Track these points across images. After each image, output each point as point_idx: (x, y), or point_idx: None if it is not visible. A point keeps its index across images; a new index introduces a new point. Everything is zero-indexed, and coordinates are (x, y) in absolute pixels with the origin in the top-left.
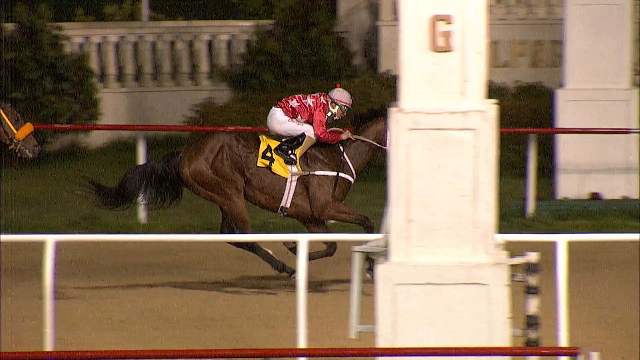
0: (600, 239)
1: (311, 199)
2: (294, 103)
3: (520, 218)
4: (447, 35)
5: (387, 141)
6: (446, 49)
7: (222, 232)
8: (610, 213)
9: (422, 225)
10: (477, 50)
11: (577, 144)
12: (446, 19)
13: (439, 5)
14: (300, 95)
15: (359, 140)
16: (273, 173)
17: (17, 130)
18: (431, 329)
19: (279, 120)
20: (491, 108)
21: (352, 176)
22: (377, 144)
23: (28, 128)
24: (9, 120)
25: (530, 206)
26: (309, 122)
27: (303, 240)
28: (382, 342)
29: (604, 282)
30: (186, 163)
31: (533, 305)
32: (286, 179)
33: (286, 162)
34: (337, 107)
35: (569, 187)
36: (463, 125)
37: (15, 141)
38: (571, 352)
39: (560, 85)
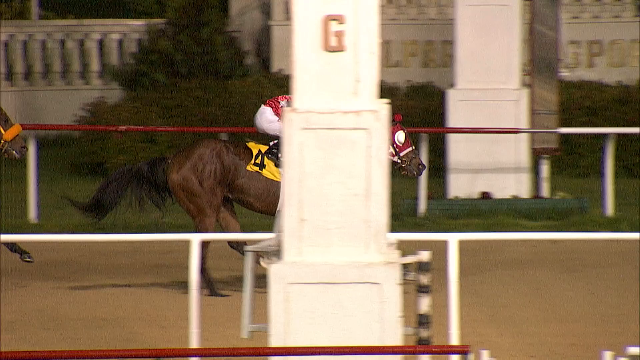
0: (490, 237)
1: None
2: (284, 103)
3: (412, 217)
4: (339, 35)
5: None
6: (339, 49)
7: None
8: (500, 212)
9: (315, 225)
10: (370, 50)
11: (468, 144)
12: (339, 19)
13: (331, 5)
14: (290, 96)
15: None
16: (265, 178)
17: (5, 130)
18: (324, 328)
19: (268, 119)
20: (383, 108)
21: None
22: None
23: (17, 129)
24: None
25: (422, 205)
26: None
27: (196, 239)
28: (274, 342)
29: (495, 281)
30: (175, 169)
31: (424, 304)
32: (279, 182)
33: (276, 166)
34: None
35: (459, 186)
36: (356, 124)
37: (2, 141)
38: (462, 350)
39: (451, 85)
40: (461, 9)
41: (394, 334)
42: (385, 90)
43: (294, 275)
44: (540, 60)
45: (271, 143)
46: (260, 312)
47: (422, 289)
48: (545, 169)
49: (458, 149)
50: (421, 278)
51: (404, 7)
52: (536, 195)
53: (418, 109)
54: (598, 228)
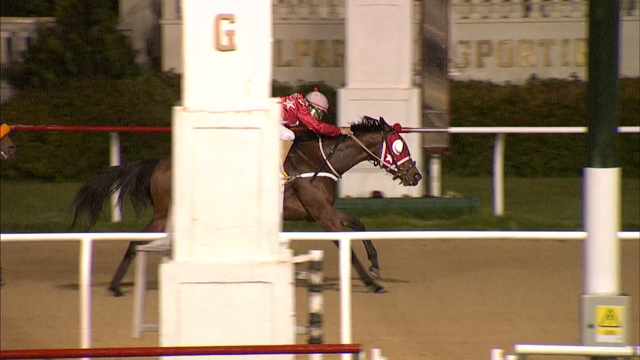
0: (381, 237)
1: (304, 203)
2: (291, 104)
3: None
4: (231, 34)
5: (382, 153)
6: (230, 48)
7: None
8: (391, 211)
9: (207, 224)
10: (261, 49)
11: None
12: (230, 18)
13: (222, 5)
14: (279, 98)
15: (354, 140)
16: None
17: None
18: (215, 327)
19: None
20: (275, 107)
21: (335, 175)
22: (369, 151)
23: (4, 129)
24: None
25: None
26: (290, 124)
27: (87, 239)
28: (166, 342)
29: (386, 280)
30: (163, 168)
31: (316, 303)
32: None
33: None
34: (313, 110)
35: (351, 185)
36: (248, 124)
37: None
38: (353, 349)
39: (343, 84)
40: (352, 9)
41: (285, 333)
42: (277, 90)
43: (185, 274)
44: (430, 60)
45: None
46: (153, 312)
47: (314, 288)
48: (435, 168)
49: None
50: (313, 277)
51: (296, 7)
52: (427, 195)
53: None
54: (488, 227)
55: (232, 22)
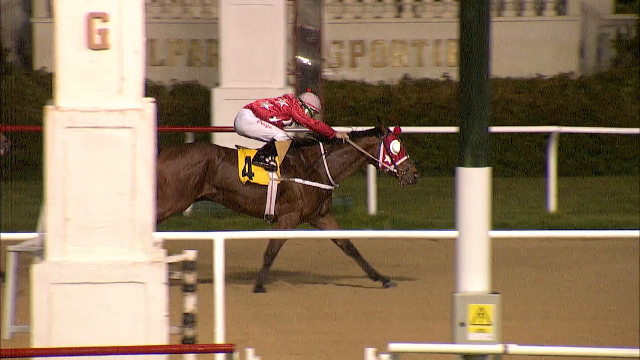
0: (256, 236)
1: (283, 199)
2: (265, 105)
3: (177, 216)
4: (103, 33)
5: (380, 154)
6: (103, 47)
7: None
8: None
9: (79, 224)
10: (134, 48)
11: (234, 143)
12: (102, 17)
13: (95, 3)
14: (271, 98)
15: (350, 144)
16: (254, 184)
17: None
18: (88, 328)
19: (247, 121)
20: (149, 106)
21: (329, 183)
22: (367, 154)
23: None
24: None
25: None
26: (279, 125)
27: None
28: (37, 343)
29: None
30: (162, 158)
31: (190, 303)
32: (267, 186)
33: (267, 169)
34: (306, 110)
35: None
36: (121, 123)
37: None
38: (227, 349)
39: (217, 84)
40: (225, 8)
41: (159, 333)
42: (151, 89)
43: (57, 275)
44: (304, 60)
45: (258, 150)
46: (25, 313)
47: (188, 288)
48: None
49: None
50: (187, 277)
51: (168, 6)
52: None
53: (183, 108)
54: (361, 226)
55: (105, 21)
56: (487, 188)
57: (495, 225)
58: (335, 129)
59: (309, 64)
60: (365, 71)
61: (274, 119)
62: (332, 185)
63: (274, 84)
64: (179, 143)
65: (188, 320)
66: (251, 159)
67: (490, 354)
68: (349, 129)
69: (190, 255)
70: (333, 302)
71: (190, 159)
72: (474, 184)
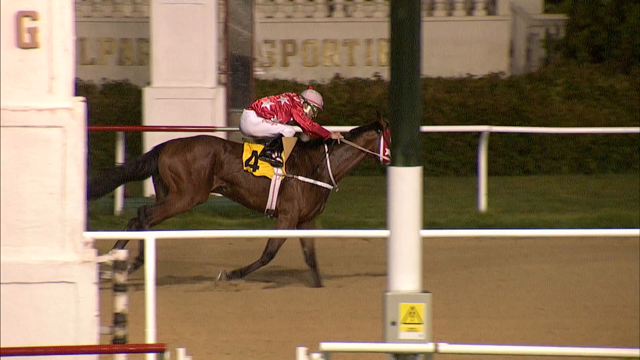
0: (187, 235)
1: (281, 197)
2: (267, 103)
3: (108, 215)
4: (33, 31)
5: (380, 149)
6: (32, 46)
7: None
8: (196, 210)
9: (8, 224)
10: (64, 47)
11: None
12: (32, 15)
13: (24, 2)
14: (272, 96)
15: (347, 144)
16: (258, 177)
17: None
18: (18, 328)
19: (252, 122)
20: (79, 105)
21: (331, 183)
22: (366, 150)
23: None
24: None
25: (119, 204)
26: (284, 122)
27: None
28: None
29: (191, 279)
30: (168, 152)
31: (121, 302)
32: (270, 180)
33: (272, 165)
34: (309, 107)
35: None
36: (51, 122)
37: None
38: (158, 349)
39: (148, 83)
40: (156, 7)
41: (89, 333)
42: (81, 88)
43: None
44: (235, 59)
45: (266, 144)
46: None
47: (119, 288)
48: None
49: None
50: (117, 277)
51: (99, 5)
52: None
53: (114, 107)
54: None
55: (35, 20)
56: (418, 187)
57: (427, 225)
58: (331, 129)
59: (241, 63)
60: (296, 70)
61: (274, 118)
62: (333, 184)
63: (205, 83)
64: (168, 138)
65: (119, 320)
66: (258, 153)
67: (421, 353)
68: (347, 129)
69: (120, 254)
70: (264, 301)
71: (197, 152)
72: (406, 184)
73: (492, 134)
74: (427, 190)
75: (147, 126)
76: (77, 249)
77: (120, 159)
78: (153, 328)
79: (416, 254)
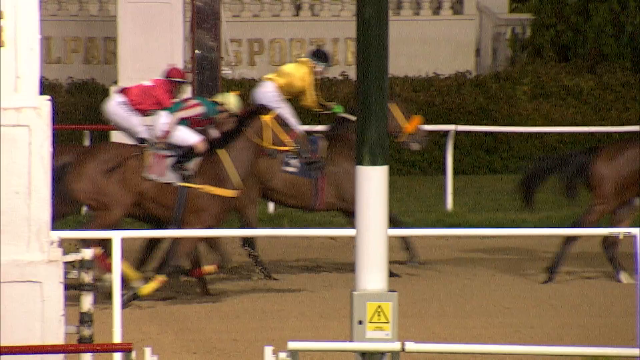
0: (153, 235)
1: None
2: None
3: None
4: None
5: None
6: None
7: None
8: None
9: None
10: (30, 46)
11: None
12: None
13: None
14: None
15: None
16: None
17: (405, 123)
18: None
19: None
20: (45, 104)
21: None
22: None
23: (417, 120)
24: (400, 113)
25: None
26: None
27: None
28: None
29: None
30: (605, 157)
31: (87, 302)
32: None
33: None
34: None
35: None
36: (16, 121)
37: (404, 134)
38: (124, 348)
39: (114, 82)
40: (122, 6)
41: (55, 332)
42: (47, 87)
43: None
44: (202, 58)
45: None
46: None
47: (85, 287)
48: None
49: None
50: (84, 276)
51: (65, 3)
52: None
53: (80, 106)
54: (261, 224)
55: (0, 19)
56: (385, 186)
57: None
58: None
59: (207, 62)
60: (263, 69)
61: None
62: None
63: None
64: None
65: (85, 319)
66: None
67: (388, 352)
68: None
69: (87, 254)
70: (231, 300)
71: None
72: (372, 183)
73: (458, 133)
74: (394, 190)
75: (113, 125)
76: (43, 249)
77: None
78: (119, 327)
79: (383, 253)
